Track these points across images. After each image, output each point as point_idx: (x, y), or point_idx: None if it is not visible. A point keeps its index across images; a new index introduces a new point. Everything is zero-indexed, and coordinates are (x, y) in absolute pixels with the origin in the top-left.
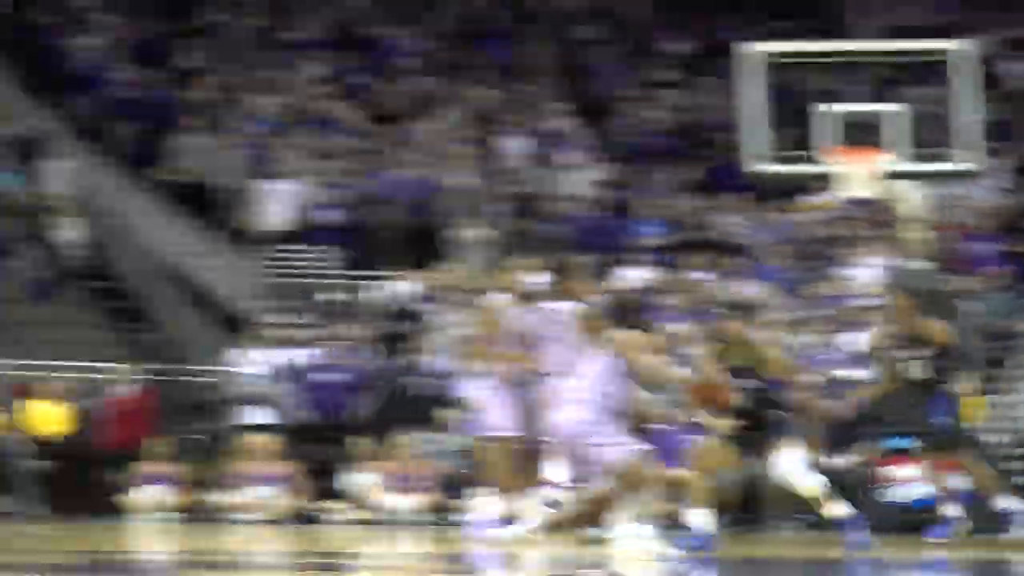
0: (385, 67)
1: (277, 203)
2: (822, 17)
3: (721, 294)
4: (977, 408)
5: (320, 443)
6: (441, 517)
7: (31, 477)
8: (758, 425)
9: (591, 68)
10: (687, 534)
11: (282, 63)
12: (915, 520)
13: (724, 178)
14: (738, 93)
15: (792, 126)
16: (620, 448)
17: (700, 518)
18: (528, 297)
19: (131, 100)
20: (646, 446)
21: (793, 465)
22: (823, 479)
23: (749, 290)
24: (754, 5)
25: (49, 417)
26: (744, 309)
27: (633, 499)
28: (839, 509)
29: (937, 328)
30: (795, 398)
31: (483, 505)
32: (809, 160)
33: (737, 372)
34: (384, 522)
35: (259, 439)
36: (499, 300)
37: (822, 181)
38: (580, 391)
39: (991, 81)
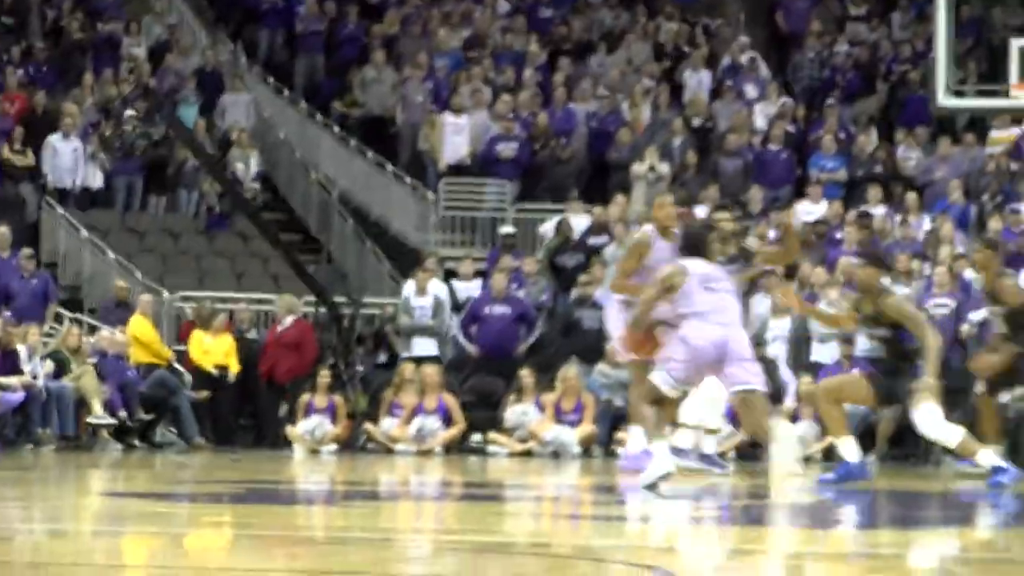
0: (570, 0)
1: (455, 136)
2: None
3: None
4: None
5: (487, 375)
6: (605, 450)
7: (196, 408)
8: (893, 371)
9: (777, 1)
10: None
11: None
12: None
13: (908, 113)
14: (927, 27)
15: (981, 60)
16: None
17: (848, 448)
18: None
19: (313, 33)
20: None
21: (929, 418)
22: (960, 430)
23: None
24: None
25: (216, 349)
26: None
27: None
28: (985, 456)
29: None
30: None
31: (636, 439)
32: (997, 94)
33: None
34: (548, 455)
35: (426, 370)
36: (647, 234)
37: (1009, 116)
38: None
39: None
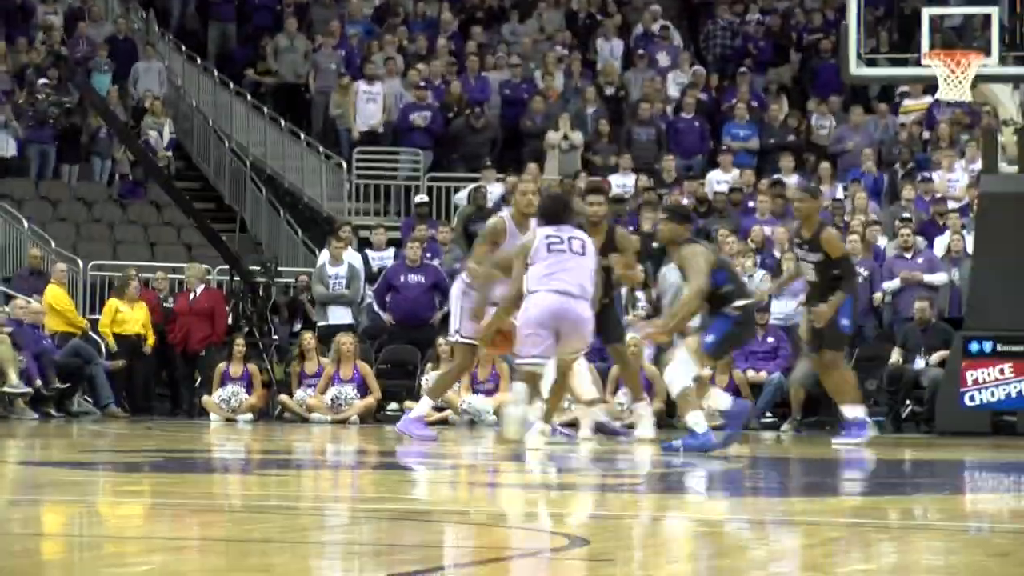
0: None
1: (368, 105)
2: None
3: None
4: None
5: (402, 344)
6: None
7: (112, 377)
8: None
9: None
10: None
11: None
12: (1001, 422)
13: (821, 82)
14: None
15: (893, 29)
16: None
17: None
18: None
19: (226, 1)
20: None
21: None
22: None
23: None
24: None
25: (132, 318)
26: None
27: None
28: (694, 417)
29: None
30: None
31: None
32: (907, 63)
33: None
34: (464, 423)
35: (341, 340)
36: (503, 220)
37: (919, 84)
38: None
39: None
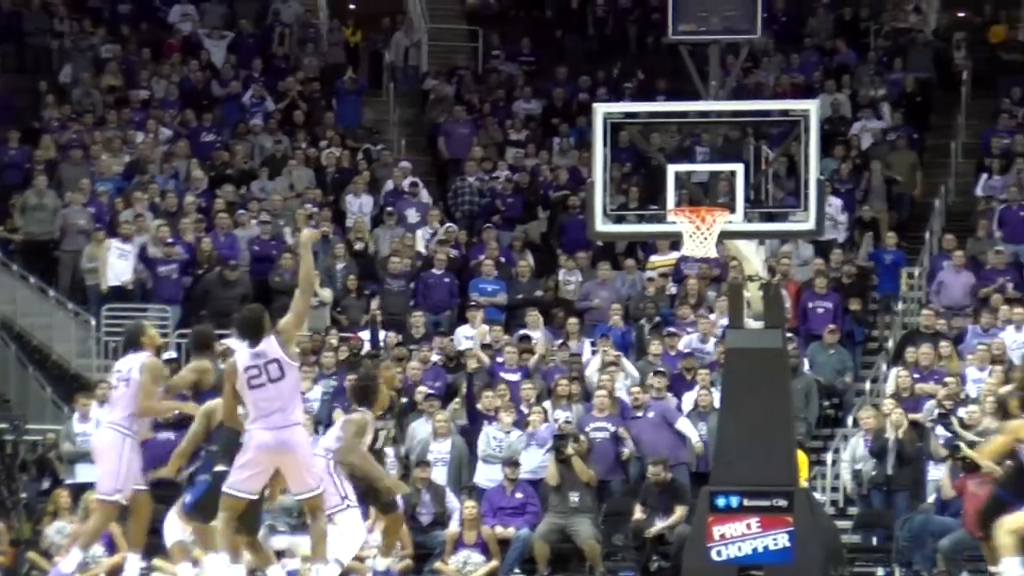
0: (233, 125)
1: (117, 261)
2: (671, 78)
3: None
4: (806, 465)
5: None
6: None
7: None
8: None
9: (439, 127)
10: None
11: (131, 121)
12: None
13: (569, 237)
14: (586, 152)
15: (638, 185)
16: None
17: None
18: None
19: None
20: None
21: None
22: None
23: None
24: (606, 66)
25: None
26: None
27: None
28: None
29: None
30: None
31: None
32: (654, 219)
33: None
34: None
35: (90, 497)
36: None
37: (666, 240)
38: None
39: (836, 141)
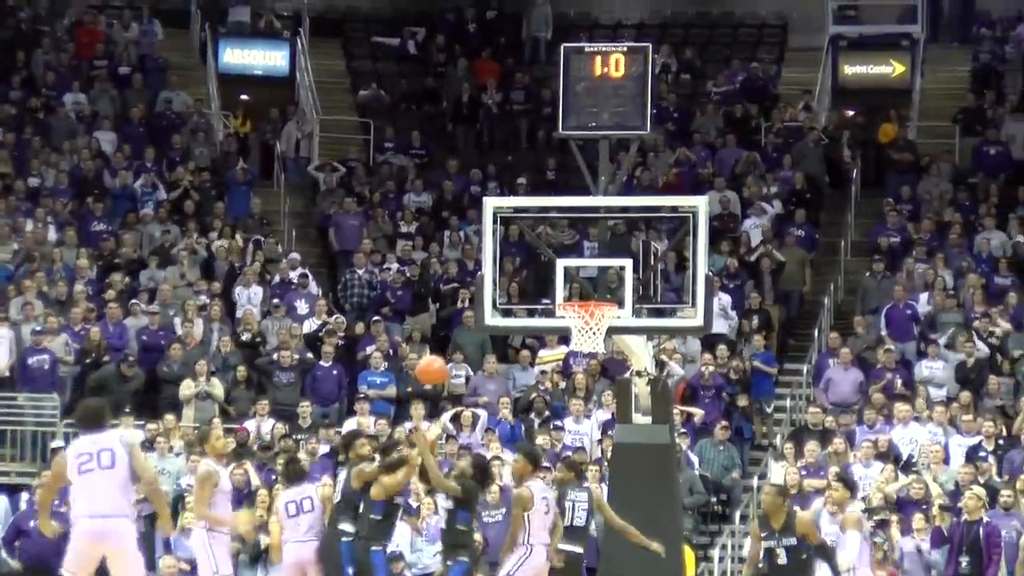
0: (122, 215)
1: (3, 348)
2: (561, 172)
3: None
4: (692, 562)
5: None
6: None
7: None
8: None
9: (330, 219)
10: None
11: (18, 209)
12: None
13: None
14: (476, 246)
15: (528, 279)
16: None
17: None
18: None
19: None
20: None
21: None
22: None
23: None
24: (496, 160)
25: None
26: None
27: None
28: None
29: None
30: None
31: None
32: (543, 313)
33: None
34: None
35: None
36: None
37: (554, 334)
38: None
39: (723, 236)
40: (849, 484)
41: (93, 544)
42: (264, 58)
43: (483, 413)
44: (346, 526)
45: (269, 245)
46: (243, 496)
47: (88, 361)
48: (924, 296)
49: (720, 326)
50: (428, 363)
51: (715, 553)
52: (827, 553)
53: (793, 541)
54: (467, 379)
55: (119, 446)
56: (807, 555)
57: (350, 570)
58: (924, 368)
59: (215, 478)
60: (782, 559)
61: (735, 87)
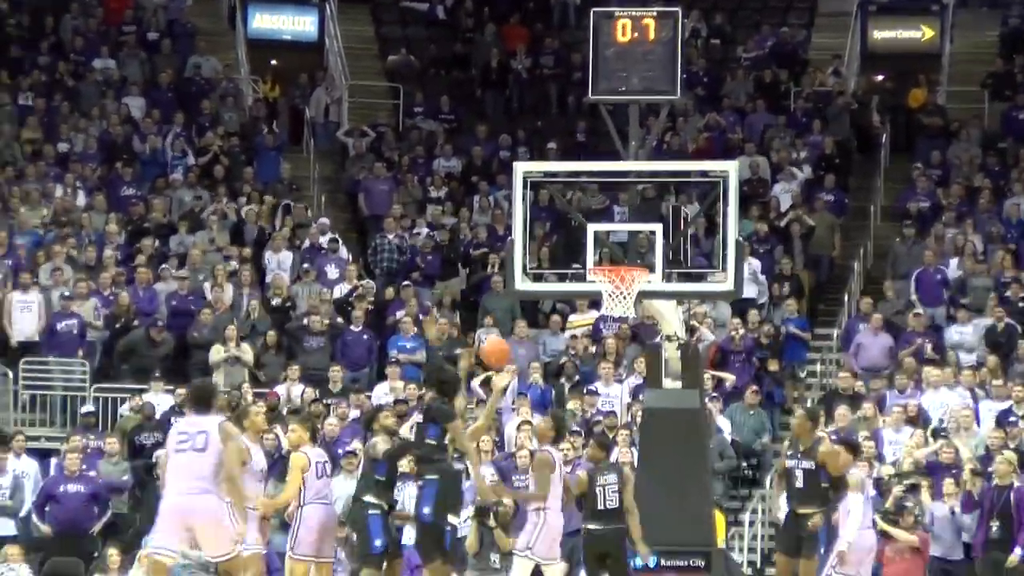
0: (152, 180)
1: (33, 314)
2: (591, 137)
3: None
4: (723, 525)
5: (63, 554)
6: None
7: None
8: None
9: (359, 184)
10: None
11: (48, 175)
12: None
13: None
14: (506, 210)
15: (560, 243)
16: None
17: None
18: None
19: None
20: None
21: None
22: None
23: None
24: (526, 125)
25: None
26: None
27: None
28: None
29: None
30: None
31: None
32: (573, 278)
33: None
34: None
35: (8, 551)
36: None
37: (584, 299)
38: None
39: (753, 201)
40: (852, 446)
41: (180, 519)
42: (293, 23)
43: (514, 378)
44: (370, 498)
45: (298, 209)
46: (275, 461)
47: (117, 326)
48: (954, 261)
49: (750, 291)
50: (498, 343)
51: (745, 518)
52: (841, 484)
53: (811, 465)
54: None
55: (215, 432)
56: (827, 485)
57: (377, 542)
58: (954, 333)
59: (245, 455)
60: (799, 482)
61: (765, 52)
